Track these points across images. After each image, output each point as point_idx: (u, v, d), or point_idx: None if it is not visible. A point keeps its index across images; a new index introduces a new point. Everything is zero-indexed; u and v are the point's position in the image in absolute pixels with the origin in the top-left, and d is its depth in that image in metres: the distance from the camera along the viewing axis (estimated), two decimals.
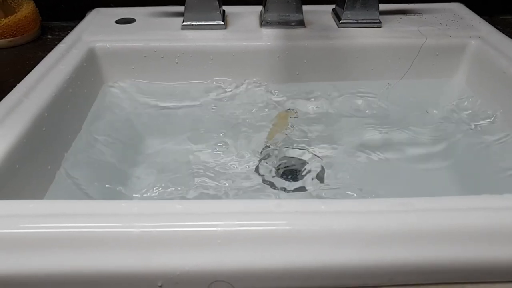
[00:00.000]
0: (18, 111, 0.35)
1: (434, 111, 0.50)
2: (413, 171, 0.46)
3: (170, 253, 0.23)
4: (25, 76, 0.40)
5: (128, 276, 0.23)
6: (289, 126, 0.46)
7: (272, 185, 0.44)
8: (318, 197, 0.43)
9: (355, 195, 0.42)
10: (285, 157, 0.48)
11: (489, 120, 0.45)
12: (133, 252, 0.23)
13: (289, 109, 0.48)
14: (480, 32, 0.50)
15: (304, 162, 0.47)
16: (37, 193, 0.33)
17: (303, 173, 0.46)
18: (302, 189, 0.44)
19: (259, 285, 0.24)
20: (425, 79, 0.50)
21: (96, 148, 0.43)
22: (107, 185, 0.41)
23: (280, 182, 0.45)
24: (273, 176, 0.45)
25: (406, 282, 0.24)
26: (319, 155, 0.48)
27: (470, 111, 0.47)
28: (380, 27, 0.51)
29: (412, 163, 0.47)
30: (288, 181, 0.45)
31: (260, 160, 0.46)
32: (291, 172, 0.46)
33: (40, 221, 0.24)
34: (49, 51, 0.45)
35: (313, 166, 0.46)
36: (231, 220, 0.24)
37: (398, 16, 0.53)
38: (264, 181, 0.45)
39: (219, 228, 0.24)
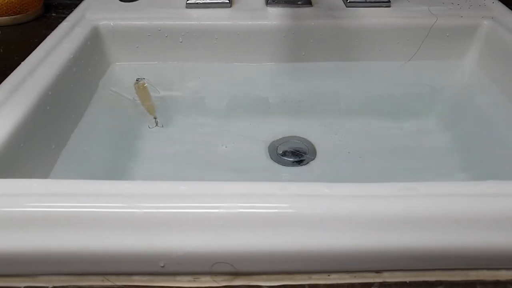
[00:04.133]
0: (22, 89, 0.34)
1: (443, 94, 0.49)
2: (419, 153, 0.46)
3: (172, 234, 0.23)
4: (30, 54, 0.39)
5: (131, 256, 0.23)
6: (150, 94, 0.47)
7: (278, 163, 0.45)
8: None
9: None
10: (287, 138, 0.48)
11: (501, 104, 0.44)
12: (136, 232, 0.23)
13: (138, 79, 0.47)
14: (493, 12, 0.48)
15: (306, 142, 0.48)
16: (42, 172, 0.33)
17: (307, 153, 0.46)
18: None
19: (260, 267, 0.24)
20: (434, 61, 0.49)
21: (101, 127, 0.43)
22: (112, 165, 0.41)
23: (284, 161, 0.45)
24: (280, 155, 0.46)
25: (410, 267, 0.24)
26: (324, 134, 0.48)
27: (481, 94, 0.47)
28: (389, 6, 0.49)
29: (418, 145, 0.47)
30: (291, 159, 0.46)
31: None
32: (293, 153, 0.46)
33: (44, 200, 0.24)
34: (53, 29, 0.44)
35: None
36: (234, 202, 0.24)
37: None
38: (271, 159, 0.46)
39: (222, 210, 0.24)
